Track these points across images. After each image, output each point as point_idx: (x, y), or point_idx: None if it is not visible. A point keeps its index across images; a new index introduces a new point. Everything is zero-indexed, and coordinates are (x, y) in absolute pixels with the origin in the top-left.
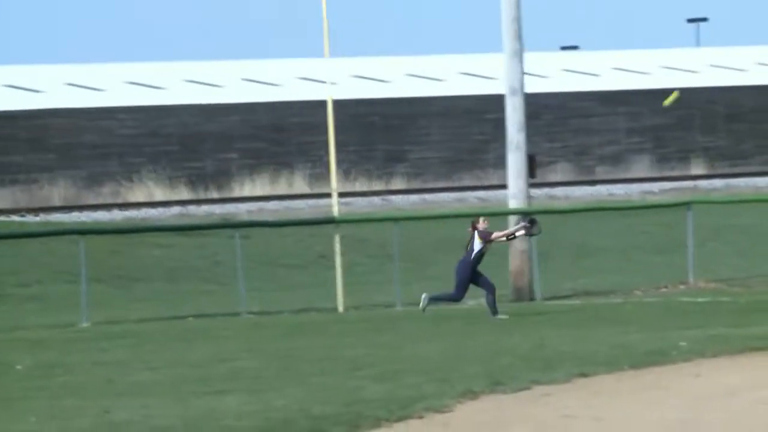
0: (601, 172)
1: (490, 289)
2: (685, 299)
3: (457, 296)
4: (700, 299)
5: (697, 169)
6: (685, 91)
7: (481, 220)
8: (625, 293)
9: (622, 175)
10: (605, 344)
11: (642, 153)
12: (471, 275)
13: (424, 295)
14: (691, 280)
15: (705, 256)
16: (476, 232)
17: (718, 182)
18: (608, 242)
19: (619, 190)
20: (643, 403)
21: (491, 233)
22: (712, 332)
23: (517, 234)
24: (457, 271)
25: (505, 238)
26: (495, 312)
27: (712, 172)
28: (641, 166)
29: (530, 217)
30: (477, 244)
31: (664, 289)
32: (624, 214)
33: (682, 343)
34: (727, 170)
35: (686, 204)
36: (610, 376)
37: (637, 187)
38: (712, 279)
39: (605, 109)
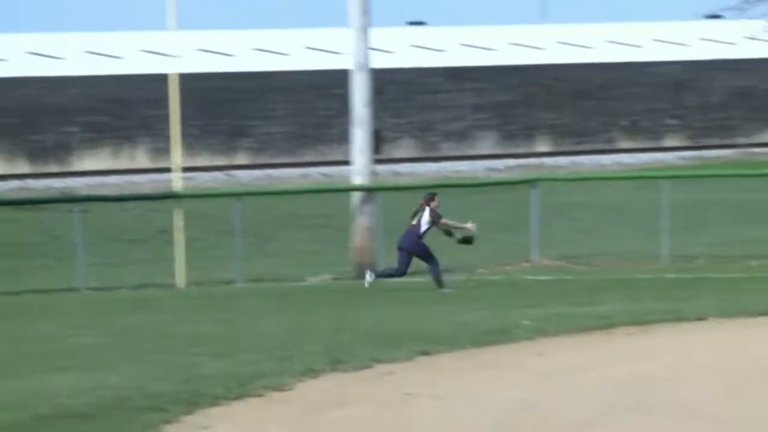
0: (446, 148)
1: (435, 262)
2: (528, 277)
3: (401, 271)
4: (543, 277)
5: (542, 146)
6: (531, 68)
7: (437, 197)
8: (468, 271)
9: (467, 152)
10: (447, 322)
11: (487, 130)
12: (417, 250)
13: (368, 272)
14: (535, 258)
15: (549, 234)
16: (428, 209)
17: (563, 160)
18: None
19: (464, 166)
20: (484, 381)
21: (441, 217)
22: (555, 311)
23: (457, 234)
24: (402, 245)
25: (449, 230)
26: (441, 285)
27: (557, 149)
28: (487, 143)
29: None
30: (425, 222)
31: (507, 267)
32: (469, 191)
33: (525, 322)
34: (572, 148)
35: (531, 181)
36: (451, 354)
37: (482, 164)
38: (556, 257)
39: (451, 85)
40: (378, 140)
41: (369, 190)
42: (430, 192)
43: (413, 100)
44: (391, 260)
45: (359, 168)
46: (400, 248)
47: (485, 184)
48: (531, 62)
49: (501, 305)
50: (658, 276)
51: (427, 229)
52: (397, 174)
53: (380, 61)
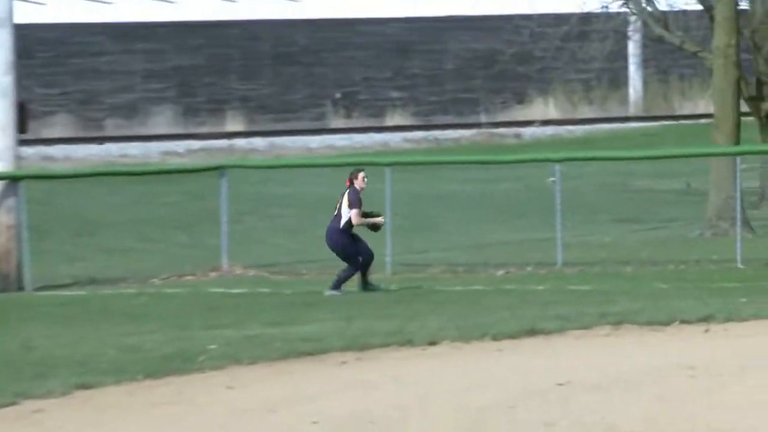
0: (111, 126)
1: (352, 267)
2: (217, 290)
3: (354, 269)
4: (235, 290)
5: (233, 124)
6: (219, 25)
7: (360, 175)
8: (140, 281)
9: (138, 131)
10: (113, 347)
11: (164, 103)
12: (338, 248)
13: (328, 292)
14: (224, 265)
15: (243, 234)
16: (348, 192)
17: (259, 141)
18: (120, 216)
19: (135, 150)
20: (160, 422)
21: (361, 203)
22: (250, 332)
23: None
24: (335, 245)
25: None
26: (335, 286)
27: (252, 128)
28: (163, 120)
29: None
30: (345, 211)
31: (190, 277)
32: (140, 181)
33: (212, 346)
34: (271, 126)
35: (219, 168)
36: (119, 388)
37: (156, 146)
38: (251, 264)
39: (117, 46)
40: (23, 115)
41: (12, 179)
42: (356, 168)
43: (69, 65)
44: (41, 267)
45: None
46: (334, 248)
47: (161, 172)
48: (219, 18)
49: (182, 325)
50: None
51: (349, 221)
52: (48, 158)
53: (27, 15)
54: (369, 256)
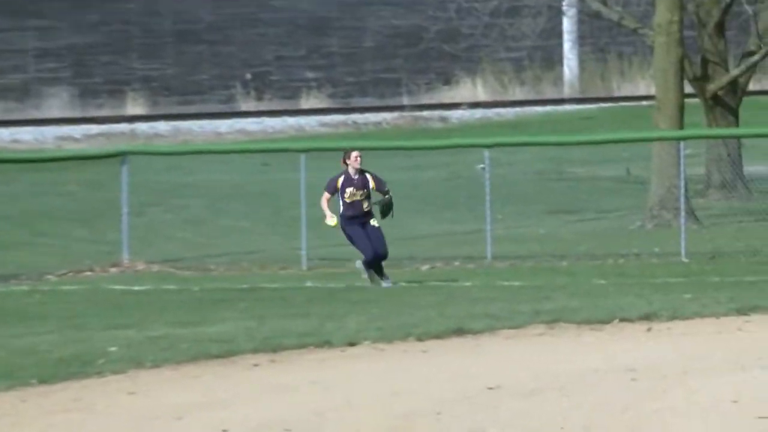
0: (1, 110)
1: (368, 253)
2: (117, 287)
3: (367, 257)
4: (138, 287)
5: (134, 107)
6: (118, 0)
7: (353, 154)
8: (33, 278)
9: (31, 115)
10: (4, 349)
11: (58, 84)
12: (347, 225)
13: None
14: (125, 260)
15: (146, 227)
16: (344, 175)
17: (163, 126)
18: (11, 208)
19: (27, 135)
20: (57, 429)
21: (331, 190)
22: (154, 333)
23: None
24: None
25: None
26: (381, 277)
27: (155, 111)
28: (57, 103)
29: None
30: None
31: (88, 273)
32: (34, 169)
33: (113, 348)
34: (175, 109)
35: (120, 155)
36: (10, 394)
37: (51, 131)
38: (154, 259)
39: (8, 23)
40: None
41: None
42: (351, 147)
43: None
44: None
45: None
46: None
47: (56, 159)
48: None
49: (79, 326)
50: (296, 285)
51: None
52: None
53: None
54: (369, 255)
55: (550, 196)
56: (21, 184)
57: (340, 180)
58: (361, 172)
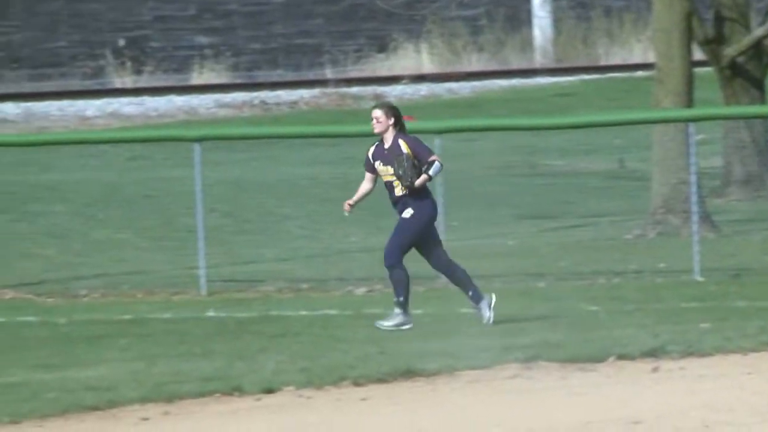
0: None
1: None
2: None
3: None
4: None
5: None
6: None
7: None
8: None
9: None
10: None
11: None
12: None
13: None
14: None
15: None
16: (377, 143)
17: (11, 108)
18: None
19: None
20: None
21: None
22: (11, 379)
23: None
24: None
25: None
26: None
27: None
28: None
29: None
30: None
31: None
32: None
33: None
34: (26, 86)
35: None
36: None
37: None
38: (6, 283)
39: None
40: None
41: None
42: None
43: None
44: None
45: None
46: None
47: None
48: None
49: None
50: (194, 315)
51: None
52: None
53: None
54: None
55: (521, 197)
56: None
57: (371, 151)
58: (398, 138)
